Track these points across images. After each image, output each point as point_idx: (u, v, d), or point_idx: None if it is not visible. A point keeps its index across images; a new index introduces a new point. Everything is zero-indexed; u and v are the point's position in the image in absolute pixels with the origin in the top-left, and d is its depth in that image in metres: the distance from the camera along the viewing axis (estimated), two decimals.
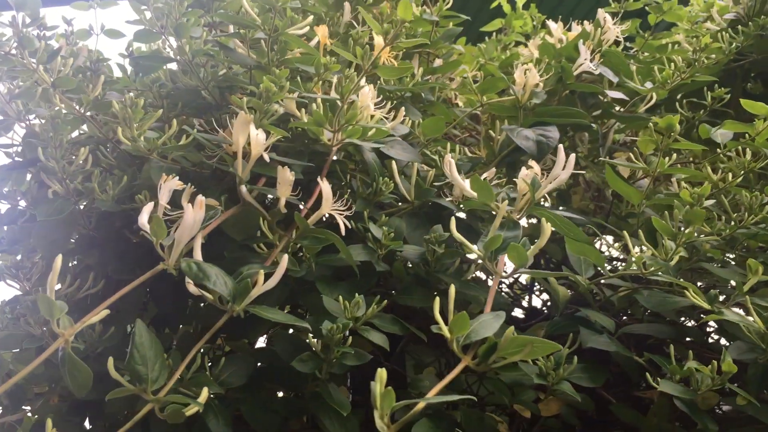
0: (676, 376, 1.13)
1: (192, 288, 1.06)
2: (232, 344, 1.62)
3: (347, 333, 1.17)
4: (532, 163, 1.25)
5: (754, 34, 1.93)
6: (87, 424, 1.53)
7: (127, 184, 1.39)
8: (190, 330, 1.56)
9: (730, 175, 1.47)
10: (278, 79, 1.25)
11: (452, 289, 0.92)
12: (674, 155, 1.34)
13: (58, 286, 1.72)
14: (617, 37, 1.76)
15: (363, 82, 1.34)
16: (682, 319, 1.45)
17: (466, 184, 1.20)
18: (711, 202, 1.15)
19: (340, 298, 1.22)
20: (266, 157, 1.16)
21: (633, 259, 1.15)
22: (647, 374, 1.14)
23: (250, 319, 1.52)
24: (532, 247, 0.98)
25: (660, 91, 1.79)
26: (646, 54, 2.31)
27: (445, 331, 0.87)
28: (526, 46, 2.72)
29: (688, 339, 1.43)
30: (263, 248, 1.31)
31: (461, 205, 1.34)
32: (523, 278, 2.13)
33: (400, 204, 1.50)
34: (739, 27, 1.96)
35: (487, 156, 1.61)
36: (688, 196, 1.12)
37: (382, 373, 0.75)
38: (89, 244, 1.56)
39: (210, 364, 1.32)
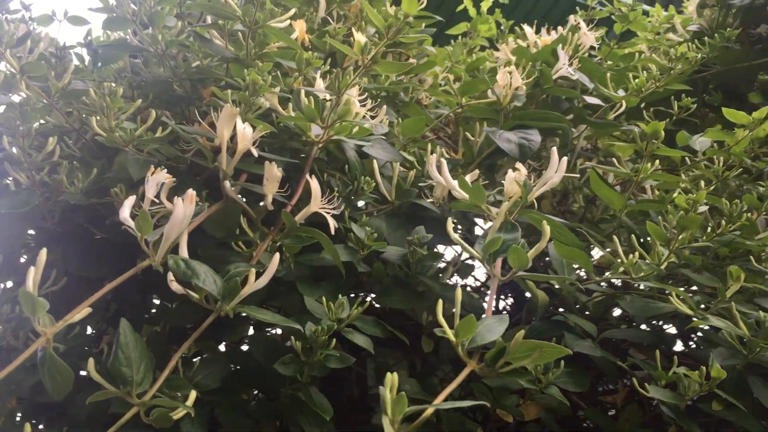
0: (661, 382, 1.13)
1: (175, 286, 1.01)
2: (201, 345, 1.57)
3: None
4: (519, 165, 1.24)
5: (720, 46, 1.97)
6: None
7: (97, 176, 1.33)
8: (157, 329, 1.51)
9: (703, 183, 1.50)
10: (262, 72, 1.22)
11: (459, 293, 0.90)
12: (656, 161, 1.35)
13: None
14: (593, 43, 1.77)
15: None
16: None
17: (455, 184, 1.18)
18: (705, 208, 1.16)
19: (323, 299, 1.19)
20: (254, 152, 1.12)
21: (623, 263, 1.15)
22: (634, 380, 1.14)
23: (227, 320, 1.49)
24: (531, 249, 0.96)
25: (632, 99, 1.81)
26: (609, 62, 2.35)
27: (450, 334, 0.85)
28: (490, 49, 2.74)
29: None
30: (242, 246, 1.27)
31: (451, 208, 1.31)
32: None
33: (378, 204, 1.47)
34: (706, 39, 2.00)
35: (466, 157, 1.60)
36: (683, 202, 1.13)
37: (393, 378, 0.72)
38: (50, 240, 1.49)
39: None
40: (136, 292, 1.52)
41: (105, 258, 1.50)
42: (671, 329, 1.51)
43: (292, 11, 1.40)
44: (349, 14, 1.83)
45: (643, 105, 1.99)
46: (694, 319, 1.17)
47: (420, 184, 1.42)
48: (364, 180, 1.35)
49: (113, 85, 1.18)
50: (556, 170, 1.11)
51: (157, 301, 1.65)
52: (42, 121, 1.57)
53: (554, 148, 1.11)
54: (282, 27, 1.41)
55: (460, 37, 2.79)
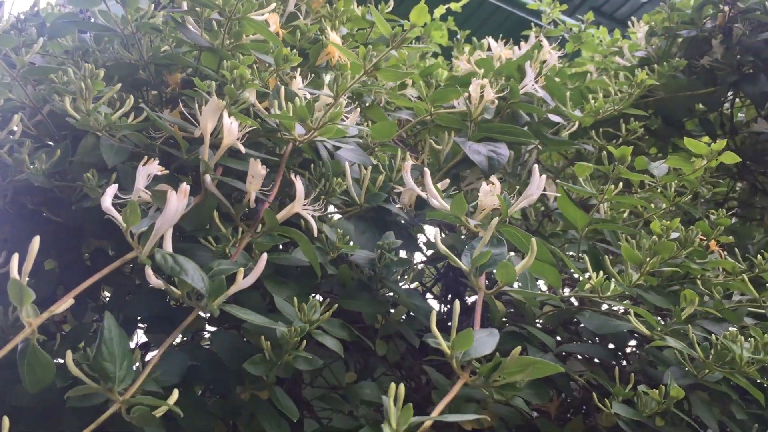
0: (618, 397, 1.18)
1: (154, 280, 0.98)
2: (151, 337, 1.54)
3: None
4: (493, 179, 1.26)
5: (668, 74, 2.06)
6: None
7: (61, 159, 1.28)
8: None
9: (652, 205, 1.57)
10: (244, 65, 1.20)
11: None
12: (620, 184, 1.40)
13: None
14: (555, 62, 1.82)
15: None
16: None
17: (435, 193, 1.19)
18: (676, 235, 1.22)
19: (295, 300, 1.18)
20: (242, 148, 1.10)
21: (590, 281, 1.19)
22: (594, 395, 1.18)
23: (181, 313, 1.46)
24: (519, 265, 0.99)
25: (587, 119, 1.87)
26: (558, 80, 2.42)
27: (445, 346, 0.86)
28: (442, 56, 2.77)
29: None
30: (211, 242, 1.25)
31: (427, 217, 1.32)
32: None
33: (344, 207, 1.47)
34: (655, 66, 2.09)
35: (431, 165, 1.62)
36: (658, 228, 1.18)
37: (400, 389, 0.72)
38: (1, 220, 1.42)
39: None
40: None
41: (57, 242, 1.45)
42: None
43: (273, 5, 1.38)
44: (312, 9, 1.82)
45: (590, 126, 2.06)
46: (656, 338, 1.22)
47: (395, 190, 1.42)
48: (336, 181, 1.34)
49: (93, 66, 1.13)
50: (537, 187, 1.14)
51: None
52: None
53: (535, 166, 1.14)
54: (261, 19, 1.39)
55: (413, 41, 2.80)
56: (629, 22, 2.73)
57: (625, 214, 1.67)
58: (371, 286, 1.40)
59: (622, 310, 1.39)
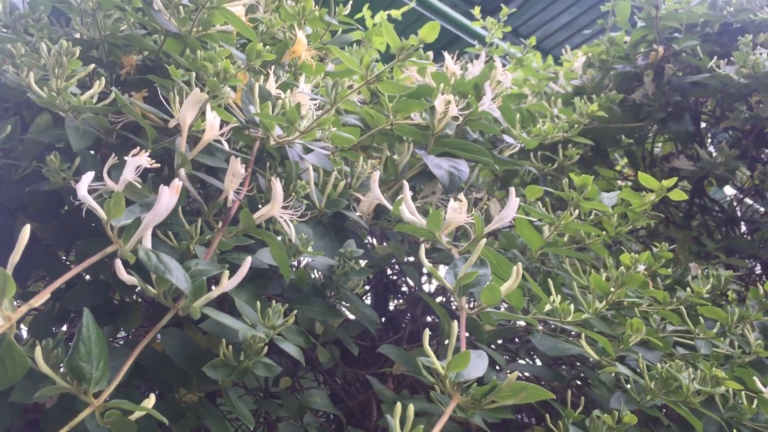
0: (569, 420, 1.21)
1: (126, 277, 0.93)
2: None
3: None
4: (461, 196, 1.27)
5: (604, 105, 2.15)
6: None
7: (10, 135, 1.19)
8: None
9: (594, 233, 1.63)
10: (220, 57, 1.16)
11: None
12: (576, 210, 1.44)
13: None
14: (509, 84, 1.86)
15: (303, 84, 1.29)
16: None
17: (411, 208, 1.19)
18: (642, 267, 1.26)
19: (258, 303, 1.15)
20: (225, 145, 1.06)
21: (552, 305, 1.22)
22: (547, 416, 1.21)
23: (123, 307, 1.39)
24: (503, 287, 1.00)
25: (532, 142, 1.93)
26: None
27: (439, 367, 0.85)
28: (380, 62, 2.77)
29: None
30: (172, 238, 1.19)
31: (395, 230, 1.32)
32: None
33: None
34: (593, 96, 2.17)
35: (387, 174, 1.61)
36: (627, 260, 1.22)
37: (409, 410, 0.72)
38: None
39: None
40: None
41: None
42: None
43: None
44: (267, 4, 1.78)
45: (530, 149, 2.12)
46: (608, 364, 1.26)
47: (353, 196, 1.41)
48: (300, 184, 1.32)
49: (70, 43, 1.06)
50: (512, 209, 1.16)
51: None
52: None
53: (512, 188, 1.16)
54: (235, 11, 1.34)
55: (354, 45, 2.80)
56: (563, 50, 2.82)
57: (565, 239, 1.72)
58: (324, 293, 1.39)
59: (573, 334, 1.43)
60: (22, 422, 1.32)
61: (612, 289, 1.24)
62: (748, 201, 2.89)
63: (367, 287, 2.13)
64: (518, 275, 0.99)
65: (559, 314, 1.21)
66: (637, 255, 1.23)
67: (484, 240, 1.01)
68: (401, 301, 2.24)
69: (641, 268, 1.23)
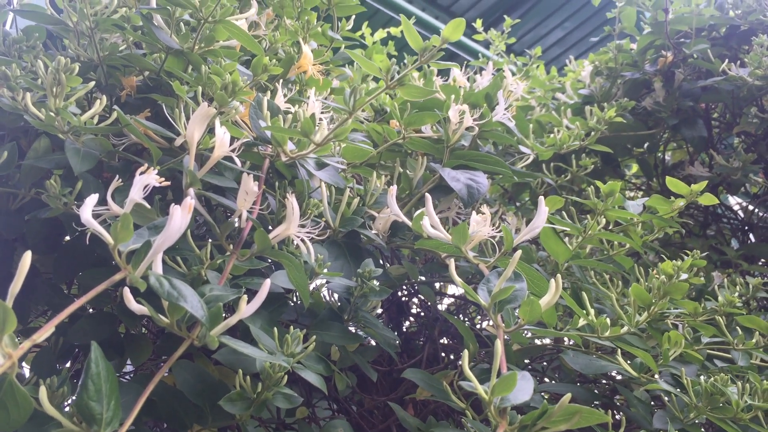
0: None
1: (135, 306, 0.86)
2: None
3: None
4: (484, 209, 1.21)
5: (617, 114, 2.09)
6: None
7: (7, 161, 1.13)
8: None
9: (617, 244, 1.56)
10: (227, 72, 1.10)
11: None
12: (604, 220, 1.37)
13: None
14: (523, 94, 1.80)
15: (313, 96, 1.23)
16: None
17: (427, 222, 1.12)
18: (685, 276, 1.19)
19: (275, 331, 1.07)
20: (238, 162, 0.99)
21: (588, 320, 1.14)
22: None
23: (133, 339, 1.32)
24: (543, 302, 0.92)
25: (546, 152, 1.86)
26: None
27: (481, 391, 0.78)
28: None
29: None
30: (181, 263, 1.12)
31: (416, 246, 1.25)
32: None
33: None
34: (604, 105, 2.11)
35: (401, 190, 1.54)
36: (669, 268, 1.15)
37: None
38: None
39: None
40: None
41: None
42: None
43: (253, 10, 1.29)
44: (267, 20, 1.73)
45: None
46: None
47: (367, 214, 1.34)
48: (312, 202, 1.25)
49: (68, 60, 1.00)
50: (542, 219, 1.09)
51: None
52: None
53: (541, 198, 1.09)
54: (239, 25, 1.28)
55: (355, 63, 2.75)
56: (567, 61, 2.78)
57: (587, 250, 1.65)
58: (341, 316, 1.32)
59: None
60: None
61: (654, 300, 1.16)
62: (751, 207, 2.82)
63: (379, 310, 2.06)
64: (558, 289, 0.92)
65: (596, 329, 1.13)
66: (678, 262, 1.15)
67: (519, 251, 0.94)
68: (413, 323, 2.17)
69: (684, 276, 1.16)
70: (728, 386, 1.13)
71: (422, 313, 2.13)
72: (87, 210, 0.84)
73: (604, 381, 1.70)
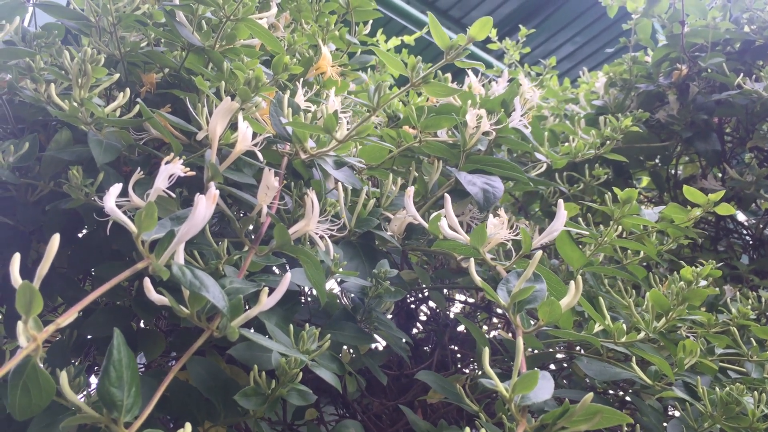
0: None
1: (155, 296, 0.86)
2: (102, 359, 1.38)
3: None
4: (501, 212, 1.21)
5: (633, 124, 2.09)
6: None
7: (28, 153, 1.13)
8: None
9: (630, 252, 1.56)
10: (249, 68, 1.10)
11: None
12: (619, 227, 1.37)
13: None
14: (538, 101, 1.80)
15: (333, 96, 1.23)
16: None
17: (445, 223, 1.12)
18: (705, 282, 1.18)
19: (291, 327, 1.07)
20: (259, 155, 1.00)
21: (607, 325, 1.14)
22: None
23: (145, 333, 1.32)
24: (564, 302, 0.92)
25: (560, 161, 1.86)
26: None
27: (502, 389, 0.78)
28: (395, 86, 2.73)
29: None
30: (198, 258, 1.12)
31: (433, 247, 1.25)
32: None
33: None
34: (619, 115, 2.11)
35: (416, 194, 1.54)
36: (689, 274, 1.15)
37: None
38: None
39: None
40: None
41: None
42: None
43: (274, 10, 1.29)
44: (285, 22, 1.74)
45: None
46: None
47: (383, 215, 1.34)
48: (329, 202, 1.25)
49: (94, 50, 1.00)
50: (561, 222, 1.09)
51: None
52: None
53: (560, 201, 1.09)
54: (262, 23, 1.29)
55: (369, 69, 2.76)
56: (580, 72, 2.78)
57: (600, 258, 1.65)
58: (354, 317, 1.31)
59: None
60: None
61: (672, 306, 1.16)
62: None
63: (389, 317, 2.06)
64: (578, 290, 0.91)
65: (612, 334, 1.13)
66: (698, 269, 1.15)
67: (540, 252, 0.94)
68: (421, 328, 2.16)
69: (703, 283, 1.15)
70: (744, 395, 1.12)
71: (431, 320, 2.13)
72: (111, 199, 0.84)
73: (611, 391, 1.69)
